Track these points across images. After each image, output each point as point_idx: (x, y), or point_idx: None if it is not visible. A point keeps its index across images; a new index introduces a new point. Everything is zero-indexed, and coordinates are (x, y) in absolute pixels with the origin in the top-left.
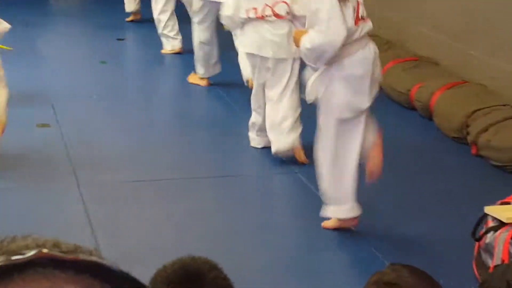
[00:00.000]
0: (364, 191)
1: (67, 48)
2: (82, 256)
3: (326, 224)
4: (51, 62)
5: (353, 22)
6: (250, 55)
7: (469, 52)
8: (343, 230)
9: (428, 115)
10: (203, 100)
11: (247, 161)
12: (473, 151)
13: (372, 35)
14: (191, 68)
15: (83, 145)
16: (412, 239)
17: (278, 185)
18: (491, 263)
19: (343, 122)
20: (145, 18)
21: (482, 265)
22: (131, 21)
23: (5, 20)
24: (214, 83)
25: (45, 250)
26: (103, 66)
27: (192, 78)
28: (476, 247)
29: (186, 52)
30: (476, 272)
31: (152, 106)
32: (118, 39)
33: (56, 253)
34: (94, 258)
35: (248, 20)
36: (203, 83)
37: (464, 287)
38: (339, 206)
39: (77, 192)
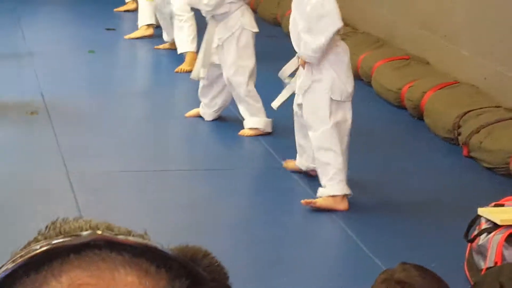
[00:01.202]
0: (353, 189)
1: (55, 37)
2: (136, 240)
3: (317, 202)
4: (40, 50)
5: None
6: None
7: (461, 52)
8: (332, 227)
9: (418, 115)
10: (191, 91)
11: (236, 154)
12: (464, 152)
13: (363, 33)
14: (179, 58)
15: (73, 133)
16: (403, 239)
17: (264, 179)
18: (484, 265)
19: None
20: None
21: (473, 267)
22: (126, 11)
23: None
24: None
25: (99, 232)
26: (92, 55)
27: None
28: (467, 249)
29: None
30: (467, 274)
31: (141, 96)
32: (107, 29)
33: (112, 235)
34: (149, 242)
35: None
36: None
37: None
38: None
39: (67, 181)
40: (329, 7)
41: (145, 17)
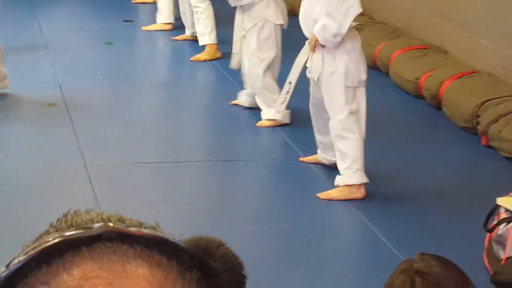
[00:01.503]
0: (372, 179)
1: (73, 29)
2: (148, 231)
3: (332, 196)
4: (57, 42)
5: None
6: None
7: (479, 41)
8: (350, 217)
9: (436, 104)
10: (210, 82)
11: (254, 145)
12: (483, 141)
13: (380, 23)
14: (197, 49)
15: (90, 125)
16: (422, 229)
17: (282, 169)
18: (503, 254)
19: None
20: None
21: (493, 257)
22: (144, 2)
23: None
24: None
25: (111, 224)
26: (110, 47)
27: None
28: (487, 239)
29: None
30: (487, 264)
31: (159, 88)
32: (125, 21)
33: (124, 227)
34: (160, 234)
35: None
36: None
37: (475, 279)
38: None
39: (85, 172)
40: None
41: (163, 16)
